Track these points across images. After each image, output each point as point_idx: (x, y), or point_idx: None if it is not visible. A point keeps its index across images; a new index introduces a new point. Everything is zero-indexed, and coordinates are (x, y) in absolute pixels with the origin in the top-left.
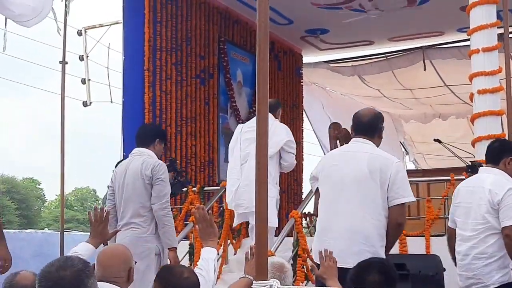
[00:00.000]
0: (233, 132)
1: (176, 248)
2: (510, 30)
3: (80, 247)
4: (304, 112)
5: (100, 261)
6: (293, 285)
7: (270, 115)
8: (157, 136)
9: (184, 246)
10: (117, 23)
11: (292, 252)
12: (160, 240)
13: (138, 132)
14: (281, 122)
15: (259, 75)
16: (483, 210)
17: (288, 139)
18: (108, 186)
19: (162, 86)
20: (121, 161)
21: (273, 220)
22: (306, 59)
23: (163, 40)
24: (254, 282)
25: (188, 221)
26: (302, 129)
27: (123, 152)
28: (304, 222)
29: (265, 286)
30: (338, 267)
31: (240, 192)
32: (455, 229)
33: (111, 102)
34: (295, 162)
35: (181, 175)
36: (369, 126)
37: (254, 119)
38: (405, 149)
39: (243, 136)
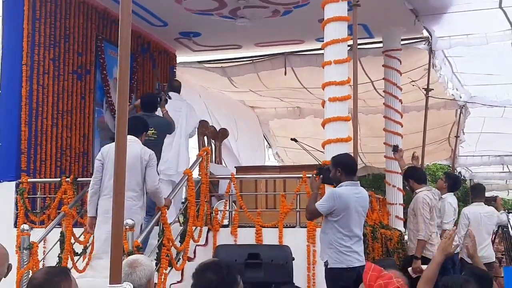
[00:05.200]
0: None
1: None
2: (358, 42)
3: None
4: None
5: None
6: (157, 272)
7: None
8: (145, 129)
9: (56, 234)
10: None
11: (158, 242)
12: (143, 212)
13: (134, 122)
14: None
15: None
16: None
17: None
18: (96, 160)
19: (40, 80)
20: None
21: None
22: (180, 59)
23: (41, 36)
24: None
25: (60, 210)
26: None
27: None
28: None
29: None
30: None
31: None
32: None
33: None
34: None
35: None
36: None
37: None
38: (268, 143)
39: None
